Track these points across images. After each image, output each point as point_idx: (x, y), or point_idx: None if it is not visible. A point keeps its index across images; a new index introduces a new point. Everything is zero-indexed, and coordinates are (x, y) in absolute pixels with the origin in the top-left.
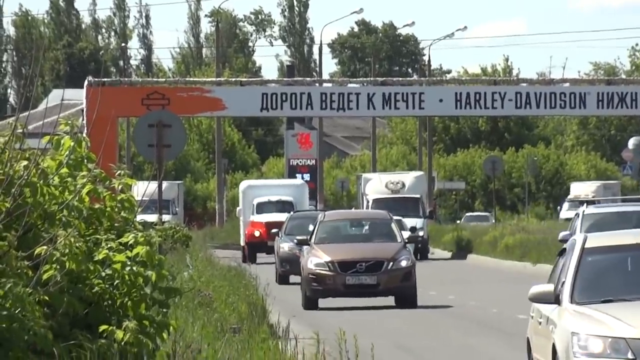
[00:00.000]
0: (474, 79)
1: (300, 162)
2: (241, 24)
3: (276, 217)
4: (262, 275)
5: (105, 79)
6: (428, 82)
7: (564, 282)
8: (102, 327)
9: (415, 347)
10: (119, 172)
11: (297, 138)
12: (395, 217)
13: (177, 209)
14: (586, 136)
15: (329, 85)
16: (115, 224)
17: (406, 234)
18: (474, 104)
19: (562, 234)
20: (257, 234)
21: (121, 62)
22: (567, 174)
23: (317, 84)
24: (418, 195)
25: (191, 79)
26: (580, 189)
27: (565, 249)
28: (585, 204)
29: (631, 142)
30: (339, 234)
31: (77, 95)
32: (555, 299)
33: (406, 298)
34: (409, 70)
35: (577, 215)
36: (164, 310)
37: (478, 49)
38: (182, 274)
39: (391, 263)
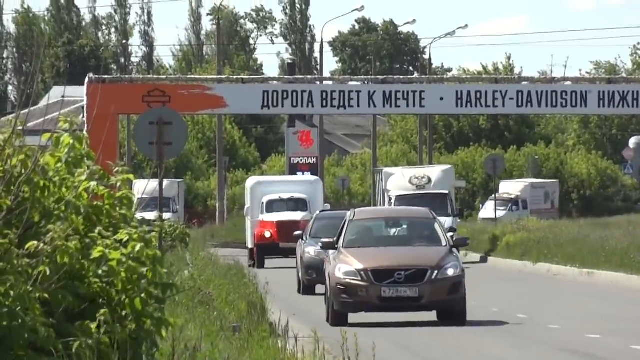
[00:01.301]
0: (474, 78)
1: (301, 160)
2: (242, 21)
3: (288, 217)
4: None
5: (106, 76)
6: (429, 80)
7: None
8: (102, 324)
9: (415, 345)
10: (117, 169)
11: (298, 136)
12: None
13: (177, 207)
14: (587, 135)
15: (330, 83)
16: (114, 222)
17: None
18: (474, 102)
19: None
20: (267, 235)
21: (122, 60)
22: (568, 173)
23: (318, 82)
24: (446, 191)
25: (192, 76)
26: (508, 187)
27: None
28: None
29: (632, 141)
30: (372, 235)
31: (78, 93)
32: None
33: (453, 313)
34: (410, 68)
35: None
36: (160, 305)
37: (479, 48)
38: (183, 273)
39: (436, 272)
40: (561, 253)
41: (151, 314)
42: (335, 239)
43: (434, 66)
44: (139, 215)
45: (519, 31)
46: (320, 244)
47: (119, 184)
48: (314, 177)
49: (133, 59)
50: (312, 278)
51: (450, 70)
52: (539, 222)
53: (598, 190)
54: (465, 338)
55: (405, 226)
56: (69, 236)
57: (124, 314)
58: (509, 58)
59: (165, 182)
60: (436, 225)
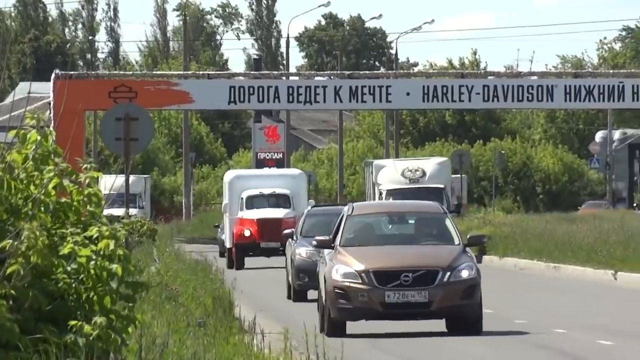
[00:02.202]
0: (441, 72)
1: (267, 155)
2: (208, 17)
3: (270, 214)
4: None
5: (73, 72)
6: (395, 75)
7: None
8: (72, 323)
9: (386, 344)
10: (85, 165)
11: (264, 131)
12: None
13: (144, 203)
14: (554, 130)
15: (296, 78)
16: (82, 218)
17: None
18: (441, 97)
19: None
20: (247, 233)
21: (88, 55)
22: (534, 168)
23: (284, 77)
24: (442, 186)
25: (158, 72)
26: None
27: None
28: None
29: (598, 136)
30: (373, 233)
31: (44, 89)
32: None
33: (467, 321)
34: (376, 63)
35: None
36: (131, 304)
37: (445, 42)
38: (149, 268)
39: (448, 273)
40: (528, 247)
41: (119, 312)
42: (331, 236)
43: (400, 61)
44: (105, 212)
45: (485, 26)
46: (314, 242)
47: (87, 181)
48: (297, 171)
49: (99, 55)
50: (304, 283)
51: (416, 65)
52: (506, 217)
53: (564, 185)
54: (439, 337)
55: (411, 222)
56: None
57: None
58: (475, 53)
59: (132, 177)
60: (447, 221)
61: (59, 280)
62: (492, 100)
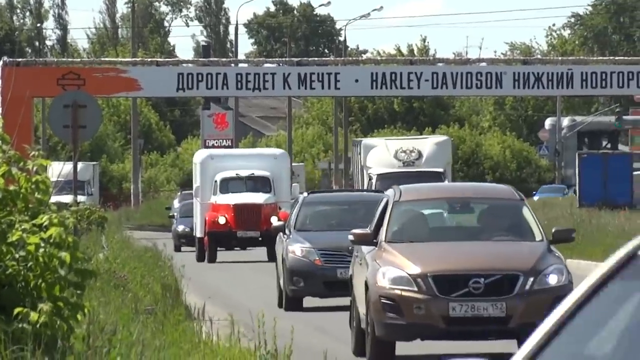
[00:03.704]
0: (390, 59)
1: (216, 142)
2: (157, 4)
3: (248, 199)
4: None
5: (20, 59)
6: (344, 62)
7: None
8: (17, 310)
9: (334, 329)
10: (33, 153)
11: (213, 118)
12: None
13: (92, 190)
14: (502, 117)
15: (245, 65)
16: (30, 205)
17: None
18: (389, 84)
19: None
20: (221, 221)
21: (36, 43)
22: (483, 155)
23: (232, 64)
24: (441, 169)
25: (106, 59)
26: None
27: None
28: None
29: (547, 123)
30: (428, 225)
31: None
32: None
33: None
34: (325, 50)
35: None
36: (79, 292)
37: (394, 29)
38: (98, 256)
39: (531, 279)
40: None
41: (67, 299)
42: (371, 229)
43: (349, 48)
44: (54, 199)
45: (433, 12)
46: (350, 237)
47: (35, 168)
48: (279, 151)
49: (47, 42)
50: (298, 288)
51: (365, 52)
52: None
53: (514, 172)
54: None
55: (478, 211)
56: None
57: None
58: (424, 40)
59: (80, 165)
60: (525, 210)
61: (7, 268)
62: (441, 87)
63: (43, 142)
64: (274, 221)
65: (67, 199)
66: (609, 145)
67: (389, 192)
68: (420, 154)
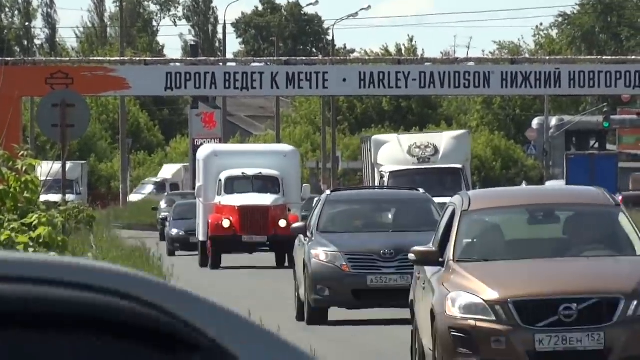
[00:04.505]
0: (377, 59)
1: (204, 141)
2: (145, 3)
3: (255, 200)
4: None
5: (9, 59)
6: (332, 61)
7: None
8: None
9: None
10: (22, 152)
11: (201, 117)
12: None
13: (81, 189)
14: (490, 116)
15: (233, 64)
16: (19, 205)
17: None
18: (377, 84)
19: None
20: (226, 224)
21: (25, 42)
22: (472, 154)
23: (221, 64)
24: (459, 166)
25: (95, 58)
26: (167, 171)
27: None
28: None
29: (535, 122)
30: (505, 239)
31: None
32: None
33: None
34: (313, 49)
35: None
36: None
37: (382, 29)
38: (86, 255)
39: (635, 303)
40: None
41: None
42: (434, 245)
43: (337, 47)
44: (43, 198)
45: (421, 12)
46: (411, 256)
47: (24, 168)
48: (289, 147)
49: (36, 42)
50: (323, 297)
51: (353, 51)
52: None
53: (500, 171)
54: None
55: (564, 220)
56: None
57: None
58: (411, 39)
59: (69, 164)
60: (622, 218)
61: None
62: (429, 87)
63: (32, 141)
64: (283, 224)
65: (56, 198)
66: (596, 145)
67: (455, 199)
68: (436, 149)
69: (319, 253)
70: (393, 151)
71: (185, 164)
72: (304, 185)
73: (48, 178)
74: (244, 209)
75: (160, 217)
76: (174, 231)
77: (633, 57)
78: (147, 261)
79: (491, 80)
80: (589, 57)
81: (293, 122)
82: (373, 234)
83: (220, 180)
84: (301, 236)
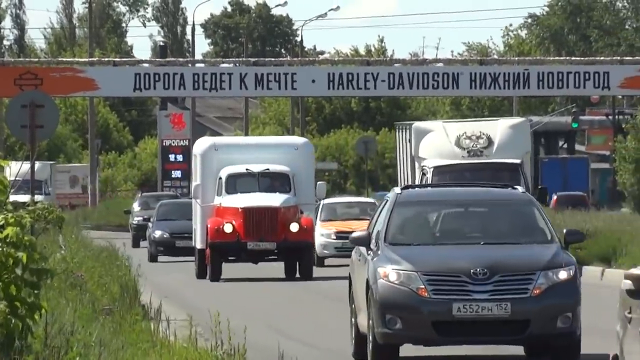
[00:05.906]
0: (346, 60)
1: (173, 142)
2: (115, 4)
3: (262, 201)
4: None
5: None
6: (301, 62)
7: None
8: None
9: (285, 327)
10: None
11: (170, 118)
12: None
13: (49, 190)
14: (459, 117)
15: (202, 65)
16: None
17: None
18: (346, 85)
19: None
20: (228, 229)
21: None
22: None
23: (189, 64)
24: (517, 160)
25: (64, 59)
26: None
27: None
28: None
29: None
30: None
31: None
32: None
33: None
34: (282, 50)
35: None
36: (35, 291)
37: (351, 30)
38: (55, 255)
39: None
40: None
41: (24, 299)
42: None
43: (306, 48)
44: (11, 198)
45: (390, 12)
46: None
47: None
48: (301, 139)
49: (5, 42)
50: (394, 330)
51: (322, 52)
52: None
53: None
54: (338, 319)
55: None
56: None
57: None
58: (381, 40)
59: (38, 164)
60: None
61: None
62: (398, 88)
63: (0, 142)
64: (294, 228)
65: (24, 198)
66: (565, 146)
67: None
68: (490, 140)
69: (389, 272)
70: (438, 142)
71: (52, 162)
72: (318, 182)
73: (17, 178)
74: (249, 212)
75: (134, 221)
76: (158, 233)
77: (601, 58)
78: (115, 261)
79: (460, 81)
80: (557, 57)
81: (262, 122)
82: (459, 247)
83: (220, 178)
84: (362, 248)
